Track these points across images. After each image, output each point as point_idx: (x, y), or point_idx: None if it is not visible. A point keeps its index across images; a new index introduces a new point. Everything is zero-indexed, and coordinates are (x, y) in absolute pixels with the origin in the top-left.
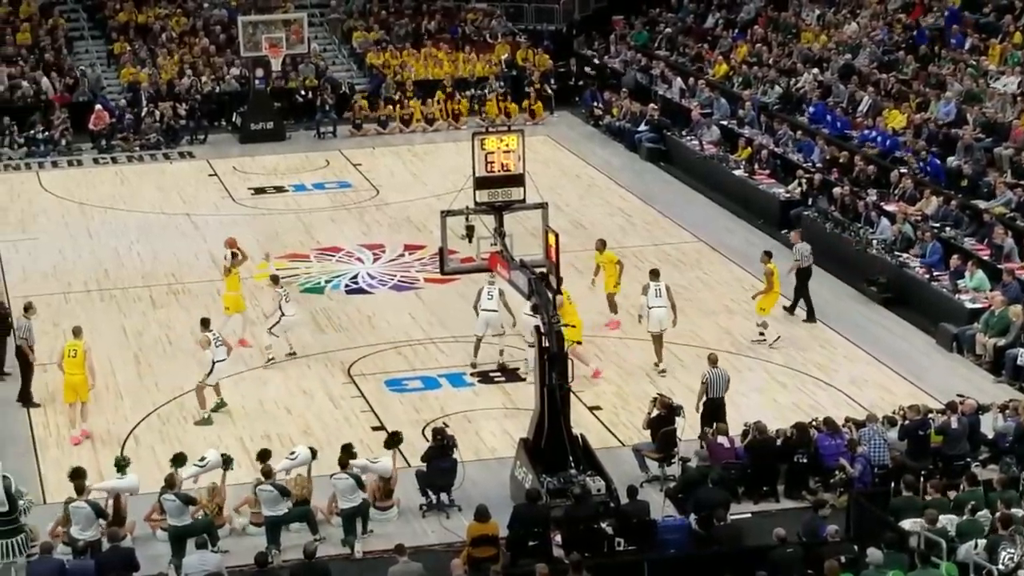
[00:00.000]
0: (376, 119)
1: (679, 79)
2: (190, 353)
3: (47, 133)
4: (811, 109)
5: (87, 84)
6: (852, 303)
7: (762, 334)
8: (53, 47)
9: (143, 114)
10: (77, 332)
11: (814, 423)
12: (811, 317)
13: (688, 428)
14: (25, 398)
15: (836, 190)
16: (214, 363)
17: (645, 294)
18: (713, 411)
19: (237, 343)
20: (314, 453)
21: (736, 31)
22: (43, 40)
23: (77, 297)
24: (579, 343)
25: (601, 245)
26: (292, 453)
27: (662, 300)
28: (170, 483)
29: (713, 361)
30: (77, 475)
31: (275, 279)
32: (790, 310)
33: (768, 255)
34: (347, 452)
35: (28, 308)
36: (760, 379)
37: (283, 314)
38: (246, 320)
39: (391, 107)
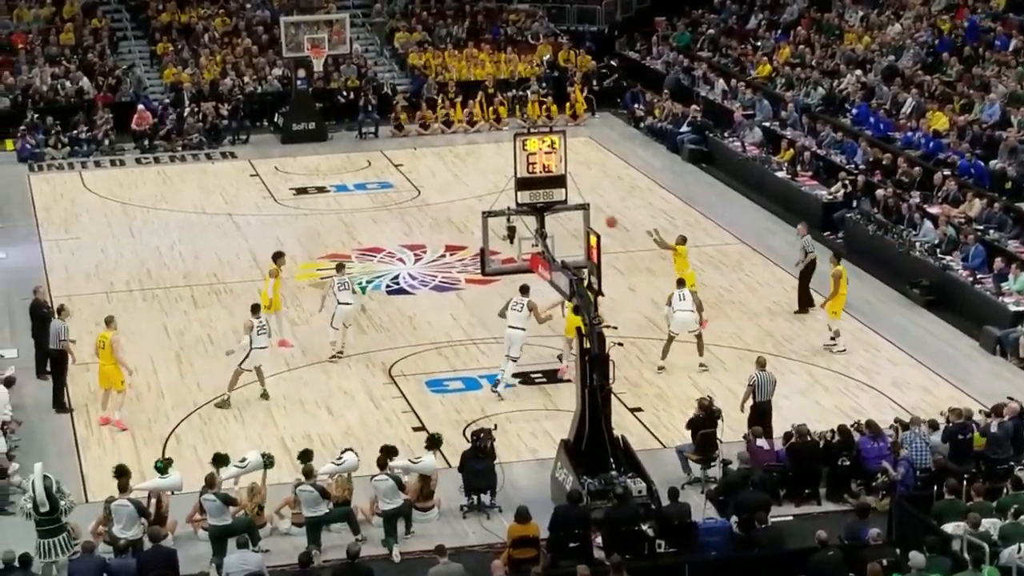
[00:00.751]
0: (419, 121)
1: (721, 80)
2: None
3: (90, 133)
4: (854, 111)
5: (130, 84)
6: (895, 305)
7: (833, 339)
8: (96, 47)
9: (185, 114)
10: (108, 322)
11: (855, 426)
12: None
13: (728, 430)
14: (59, 403)
15: (879, 192)
16: (252, 349)
17: (669, 304)
18: (760, 414)
19: (277, 344)
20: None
21: (779, 32)
22: (86, 40)
23: (119, 296)
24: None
25: (682, 240)
26: (339, 458)
27: (687, 304)
28: (210, 483)
29: (761, 364)
30: (121, 473)
31: (340, 267)
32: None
33: (837, 257)
34: (387, 453)
35: (61, 310)
36: (802, 381)
37: (339, 302)
38: (280, 320)
39: (431, 109)
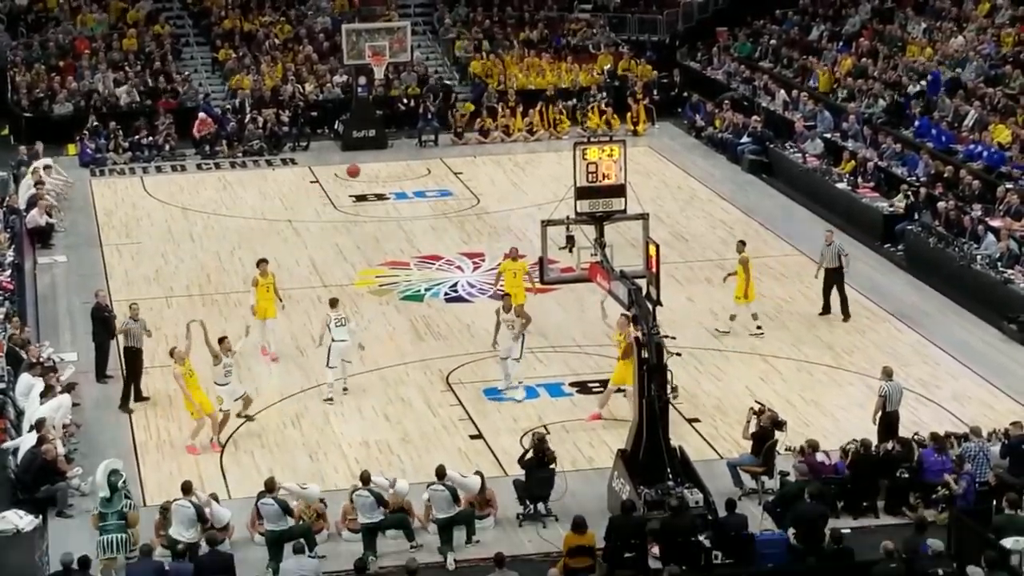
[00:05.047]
0: (480, 128)
1: (782, 91)
2: (290, 358)
3: (151, 138)
4: (916, 123)
5: (192, 90)
6: (955, 318)
7: (731, 319)
8: (159, 53)
9: (246, 121)
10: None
11: (916, 436)
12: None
13: (787, 442)
14: (125, 402)
15: (940, 205)
16: (333, 342)
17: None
18: (889, 425)
19: (260, 351)
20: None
21: (841, 43)
22: (149, 46)
23: (179, 301)
24: None
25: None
26: (393, 481)
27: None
28: (269, 487)
29: (888, 374)
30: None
31: (334, 302)
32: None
33: (743, 244)
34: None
35: (131, 309)
36: (861, 393)
37: (333, 339)
38: (265, 329)
39: (491, 118)
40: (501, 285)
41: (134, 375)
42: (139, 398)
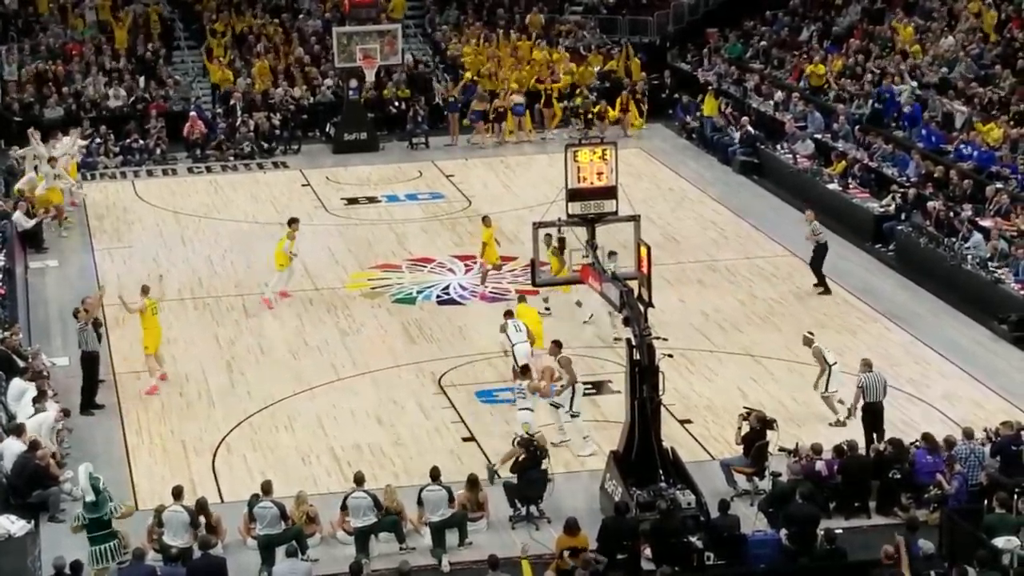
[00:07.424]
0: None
1: (778, 92)
2: (282, 362)
3: (142, 142)
4: (906, 123)
5: (182, 92)
6: (946, 318)
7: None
8: (150, 55)
9: (237, 124)
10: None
11: (917, 443)
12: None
13: (779, 442)
14: (87, 405)
15: (931, 205)
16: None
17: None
18: (872, 416)
19: (279, 295)
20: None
21: (829, 43)
22: (140, 49)
23: (171, 305)
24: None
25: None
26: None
27: (522, 335)
28: (266, 490)
29: (868, 365)
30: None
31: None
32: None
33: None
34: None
35: (76, 314)
36: (852, 394)
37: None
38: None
39: (483, 120)
40: (483, 257)
41: (90, 380)
42: (93, 406)
